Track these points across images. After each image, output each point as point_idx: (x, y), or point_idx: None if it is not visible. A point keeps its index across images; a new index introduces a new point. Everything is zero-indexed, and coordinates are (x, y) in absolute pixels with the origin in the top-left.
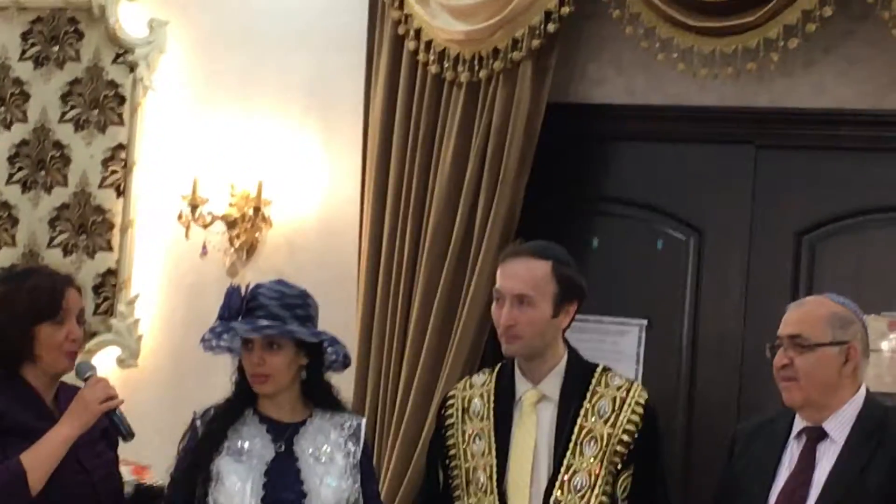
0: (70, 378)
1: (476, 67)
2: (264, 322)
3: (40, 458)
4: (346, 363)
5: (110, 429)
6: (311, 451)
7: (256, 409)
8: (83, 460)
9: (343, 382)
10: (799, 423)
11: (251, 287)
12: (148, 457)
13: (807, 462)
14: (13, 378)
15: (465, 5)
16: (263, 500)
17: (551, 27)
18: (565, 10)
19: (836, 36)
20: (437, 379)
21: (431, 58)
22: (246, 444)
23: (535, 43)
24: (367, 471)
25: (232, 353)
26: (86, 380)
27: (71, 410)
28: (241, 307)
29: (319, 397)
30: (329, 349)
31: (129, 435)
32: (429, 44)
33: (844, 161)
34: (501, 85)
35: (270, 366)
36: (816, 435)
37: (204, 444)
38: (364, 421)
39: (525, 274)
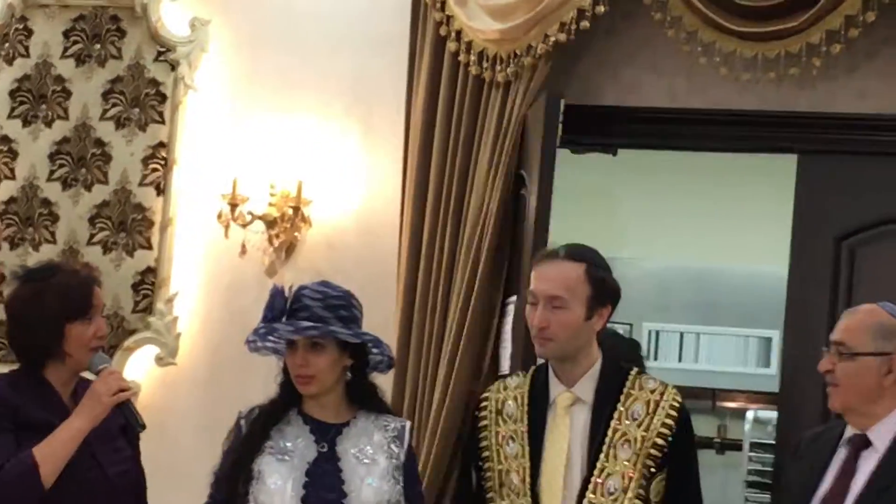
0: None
1: (510, 66)
2: (307, 323)
3: (52, 451)
4: (390, 364)
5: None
6: (353, 451)
7: (301, 410)
8: (98, 455)
9: (382, 382)
10: (849, 431)
11: (295, 288)
12: (185, 453)
13: (848, 469)
14: (32, 374)
15: (503, 4)
16: (304, 500)
17: (584, 24)
18: (600, 8)
19: (878, 41)
20: (473, 380)
21: (472, 58)
22: (289, 444)
23: (562, 37)
24: (410, 473)
25: (278, 353)
26: (97, 373)
27: (83, 403)
28: (284, 308)
29: (364, 399)
30: (374, 350)
31: (140, 426)
32: (469, 45)
33: (886, 166)
34: (525, 81)
35: (314, 367)
36: (861, 443)
37: (247, 443)
38: (409, 424)
39: (558, 276)
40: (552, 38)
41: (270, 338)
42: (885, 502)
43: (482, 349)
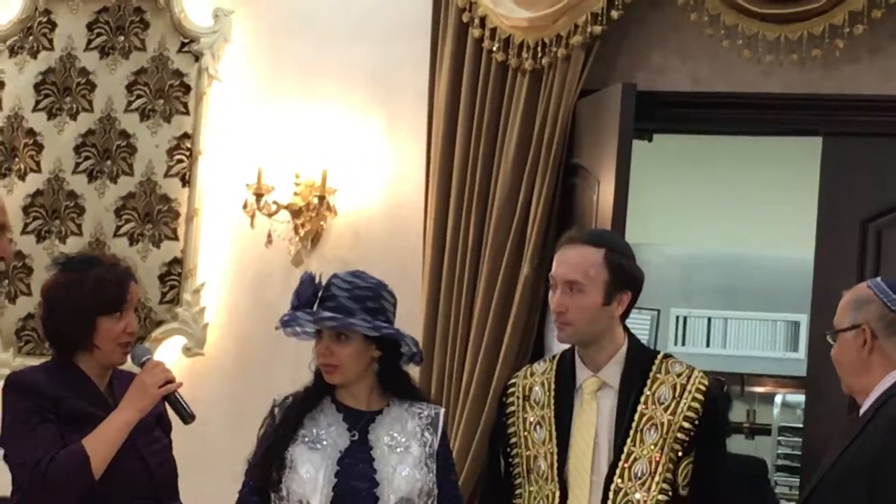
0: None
1: (539, 54)
2: (327, 314)
3: (102, 443)
4: (421, 358)
5: (165, 413)
6: (385, 440)
7: (334, 398)
8: (140, 446)
9: (410, 370)
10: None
11: (329, 277)
12: (214, 443)
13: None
14: (68, 365)
15: None
16: (336, 488)
17: (614, 13)
18: None
19: None
20: (495, 367)
21: (496, 45)
22: (322, 433)
23: (597, 29)
24: (444, 460)
25: (315, 338)
26: (142, 364)
27: (130, 395)
28: (312, 296)
29: (397, 387)
30: (399, 341)
31: (190, 417)
32: (494, 31)
33: None
34: (561, 71)
35: (338, 357)
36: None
37: (280, 431)
38: (443, 411)
39: (577, 261)
40: (588, 30)
41: (293, 325)
42: (841, 464)
43: (513, 335)
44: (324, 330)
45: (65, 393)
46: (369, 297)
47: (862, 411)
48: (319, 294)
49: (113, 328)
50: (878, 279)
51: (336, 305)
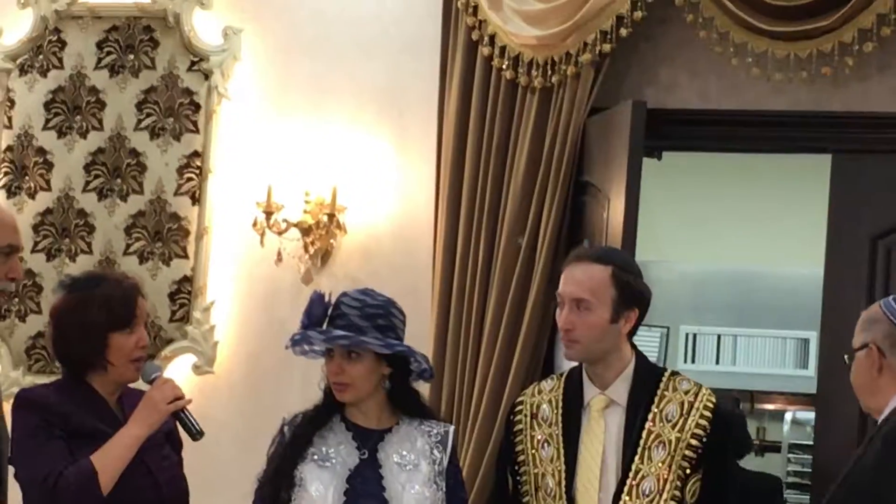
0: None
1: (549, 72)
2: (339, 332)
3: (111, 459)
4: (431, 374)
5: (175, 430)
6: (395, 458)
7: (343, 416)
8: (149, 463)
9: (420, 388)
10: None
11: (337, 295)
12: (224, 462)
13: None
14: (78, 383)
15: (537, 10)
16: None
17: (623, 31)
18: (638, 14)
19: None
20: (505, 385)
21: (506, 63)
22: (331, 451)
23: (607, 47)
24: (454, 478)
25: (323, 356)
26: (151, 381)
27: (139, 411)
28: (322, 315)
29: (407, 405)
30: (410, 359)
31: (199, 434)
32: (503, 49)
33: None
34: (571, 89)
35: (349, 375)
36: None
37: (289, 449)
38: (453, 429)
39: (583, 278)
40: (597, 48)
41: (304, 344)
42: (844, 486)
43: (523, 353)
44: (335, 348)
45: (74, 409)
46: (380, 314)
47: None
48: (330, 312)
49: (125, 343)
50: (891, 298)
51: (347, 324)
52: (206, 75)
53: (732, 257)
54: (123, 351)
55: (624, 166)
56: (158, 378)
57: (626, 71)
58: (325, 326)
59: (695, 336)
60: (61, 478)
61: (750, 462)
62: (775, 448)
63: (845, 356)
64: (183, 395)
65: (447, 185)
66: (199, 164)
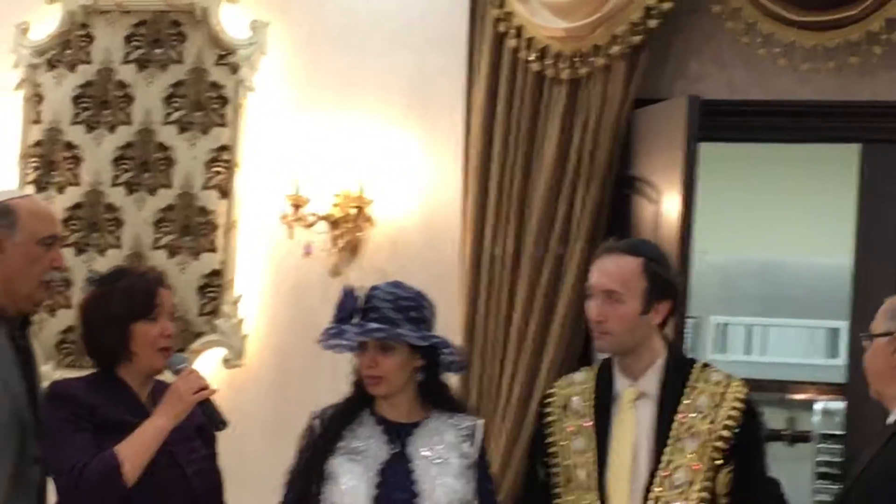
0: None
1: (577, 64)
2: (375, 325)
3: (135, 450)
4: (461, 365)
5: (205, 421)
6: (425, 451)
7: (373, 410)
8: (177, 455)
9: (450, 380)
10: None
11: (368, 289)
12: (253, 455)
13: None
14: (109, 376)
15: (565, 2)
16: (376, 500)
17: (652, 23)
18: (666, 4)
19: None
20: (536, 378)
21: (532, 55)
22: (361, 445)
23: (636, 39)
24: (482, 472)
25: (354, 351)
26: (177, 372)
27: (165, 402)
28: (354, 309)
29: (437, 398)
30: (444, 350)
31: (221, 424)
32: (530, 41)
33: None
34: (600, 81)
35: (383, 368)
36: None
37: (319, 443)
38: (482, 422)
39: (614, 270)
40: (627, 40)
41: (340, 338)
42: (865, 476)
43: (543, 345)
44: (369, 342)
45: (101, 401)
46: (412, 307)
47: (890, 419)
48: (362, 306)
49: (148, 333)
50: None
51: (380, 317)
52: (234, 69)
53: (762, 247)
54: (147, 340)
55: (676, 160)
56: (184, 369)
57: (655, 63)
58: (358, 320)
59: (725, 326)
60: (86, 469)
61: (781, 452)
62: (805, 438)
63: (862, 337)
64: (208, 386)
65: (474, 177)
66: (227, 157)
